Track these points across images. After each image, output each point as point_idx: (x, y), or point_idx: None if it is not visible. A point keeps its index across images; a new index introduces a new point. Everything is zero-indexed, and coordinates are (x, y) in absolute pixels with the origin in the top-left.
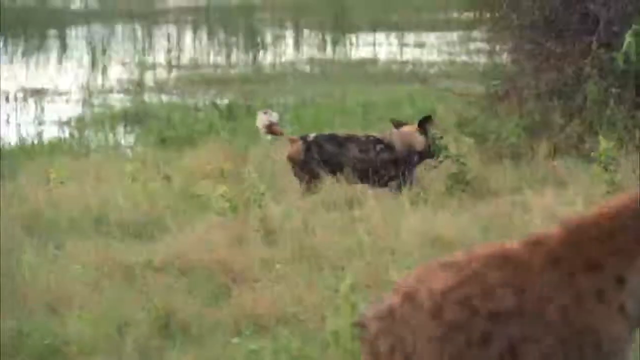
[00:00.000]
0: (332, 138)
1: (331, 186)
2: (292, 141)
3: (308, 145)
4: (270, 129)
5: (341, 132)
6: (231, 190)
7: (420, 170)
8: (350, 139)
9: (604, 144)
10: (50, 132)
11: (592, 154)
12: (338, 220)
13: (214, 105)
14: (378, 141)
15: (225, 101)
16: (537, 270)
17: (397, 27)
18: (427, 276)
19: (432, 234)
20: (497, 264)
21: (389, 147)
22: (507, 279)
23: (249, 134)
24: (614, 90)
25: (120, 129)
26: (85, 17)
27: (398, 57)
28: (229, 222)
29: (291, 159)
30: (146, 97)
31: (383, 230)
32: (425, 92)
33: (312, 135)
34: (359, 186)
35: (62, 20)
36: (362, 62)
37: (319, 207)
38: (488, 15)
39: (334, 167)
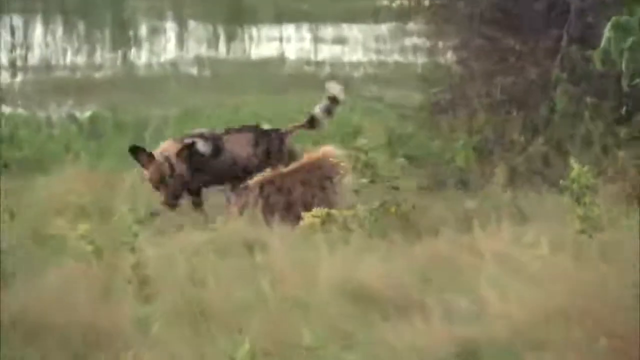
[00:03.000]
0: None
1: (226, 224)
2: None
3: None
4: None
5: None
6: (95, 229)
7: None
8: None
9: (576, 168)
10: None
11: (562, 181)
12: (234, 267)
13: (72, 119)
14: None
15: (87, 114)
16: None
17: (310, 17)
18: None
19: (354, 285)
20: None
21: None
22: None
23: (119, 156)
24: (589, 99)
25: None
26: None
27: (311, 56)
28: (91, 270)
29: None
30: None
31: (292, 281)
32: (348, 101)
33: None
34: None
35: None
36: (265, 62)
37: (209, 251)
38: (427, 2)
39: None
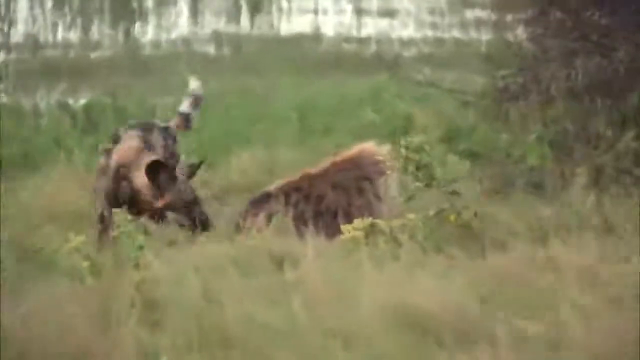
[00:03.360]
0: None
1: (249, 235)
2: None
3: None
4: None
5: None
6: (92, 241)
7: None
8: None
9: None
10: None
11: None
12: (259, 286)
13: (64, 107)
14: None
15: (82, 101)
16: None
17: None
18: None
19: (404, 308)
20: None
21: None
22: None
23: None
24: None
25: None
26: None
27: (354, 32)
28: (88, 291)
29: None
30: None
31: (329, 302)
32: (397, 86)
33: None
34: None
35: None
36: (298, 39)
37: (229, 267)
38: None
39: None
